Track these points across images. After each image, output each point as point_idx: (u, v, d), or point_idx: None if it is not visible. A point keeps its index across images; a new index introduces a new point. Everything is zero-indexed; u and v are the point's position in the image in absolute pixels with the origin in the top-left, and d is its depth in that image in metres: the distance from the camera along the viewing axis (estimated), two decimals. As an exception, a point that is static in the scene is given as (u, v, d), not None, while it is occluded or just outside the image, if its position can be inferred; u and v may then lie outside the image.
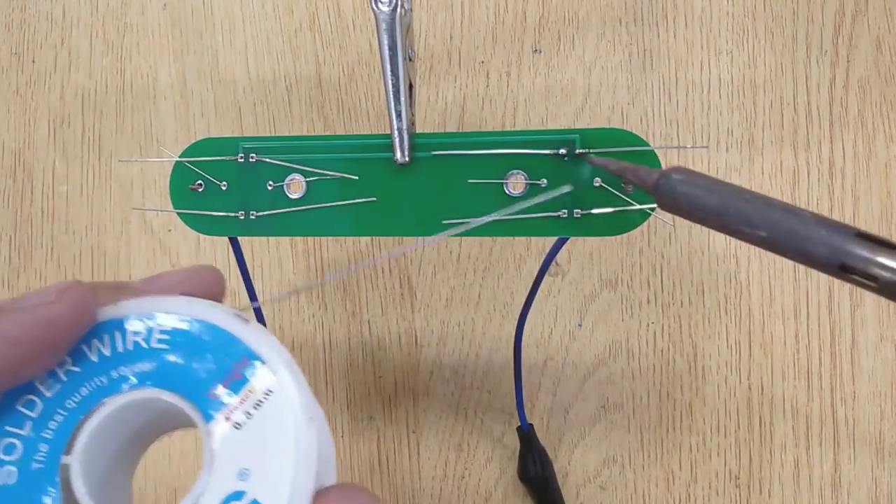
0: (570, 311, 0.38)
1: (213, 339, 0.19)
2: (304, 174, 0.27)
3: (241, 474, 0.17)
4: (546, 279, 0.37)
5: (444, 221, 0.26)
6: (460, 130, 0.39)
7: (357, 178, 0.27)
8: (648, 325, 0.37)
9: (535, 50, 0.40)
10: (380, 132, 0.28)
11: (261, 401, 0.18)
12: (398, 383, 0.38)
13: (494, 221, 0.26)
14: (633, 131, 0.25)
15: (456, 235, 0.26)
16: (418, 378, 0.38)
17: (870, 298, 0.37)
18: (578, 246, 0.38)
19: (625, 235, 0.38)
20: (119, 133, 0.41)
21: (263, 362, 0.18)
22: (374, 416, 0.38)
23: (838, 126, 0.38)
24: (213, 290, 0.20)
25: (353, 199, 0.27)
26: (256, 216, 0.27)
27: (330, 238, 0.39)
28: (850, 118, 0.38)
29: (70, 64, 0.43)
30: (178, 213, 0.28)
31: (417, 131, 0.27)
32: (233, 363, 0.18)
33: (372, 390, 0.38)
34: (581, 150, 0.25)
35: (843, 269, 0.16)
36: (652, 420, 0.37)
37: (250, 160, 0.27)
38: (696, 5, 0.39)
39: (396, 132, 0.26)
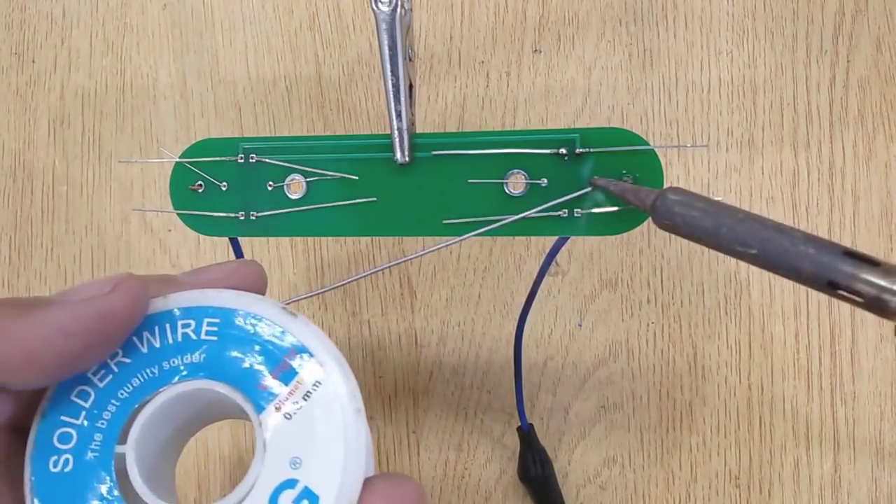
0: (570, 311, 0.38)
1: (261, 332, 0.19)
2: (304, 174, 0.27)
3: (292, 463, 0.18)
4: (546, 279, 0.37)
5: (445, 221, 0.26)
6: (460, 130, 0.39)
7: (357, 178, 0.27)
8: (648, 325, 0.37)
9: (535, 50, 0.40)
10: (380, 132, 0.28)
11: (309, 392, 0.18)
12: (398, 383, 0.38)
13: (495, 221, 0.26)
14: (634, 131, 0.25)
15: (479, 235, 0.26)
16: (418, 378, 0.38)
17: (870, 298, 0.37)
18: (578, 246, 0.38)
19: (625, 235, 0.38)
20: (119, 133, 0.42)
21: (311, 355, 0.19)
22: (374, 416, 0.38)
23: (838, 126, 0.38)
24: (257, 284, 0.21)
25: (353, 199, 0.27)
26: (256, 216, 0.27)
27: (330, 238, 0.39)
28: (850, 118, 0.38)
29: (70, 64, 0.43)
30: (178, 214, 0.28)
31: (417, 131, 0.27)
32: (282, 355, 0.19)
33: (372, 390, 0.38)
34: (581, 150, 0.25)
35: (831, 286, 0.17)
36: (652, 420, 0.37)
37: (250, 160, 0.27)
38: (696, 5, 0.39)
39: (396, 132, 0.26)
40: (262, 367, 0.19)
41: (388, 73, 0.26)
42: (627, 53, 0.39)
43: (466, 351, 0.38)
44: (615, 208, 0.25)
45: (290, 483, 0.18)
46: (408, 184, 0.27)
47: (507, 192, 0.26)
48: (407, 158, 0.26)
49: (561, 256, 0.38)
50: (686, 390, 0.37)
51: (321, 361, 0.19)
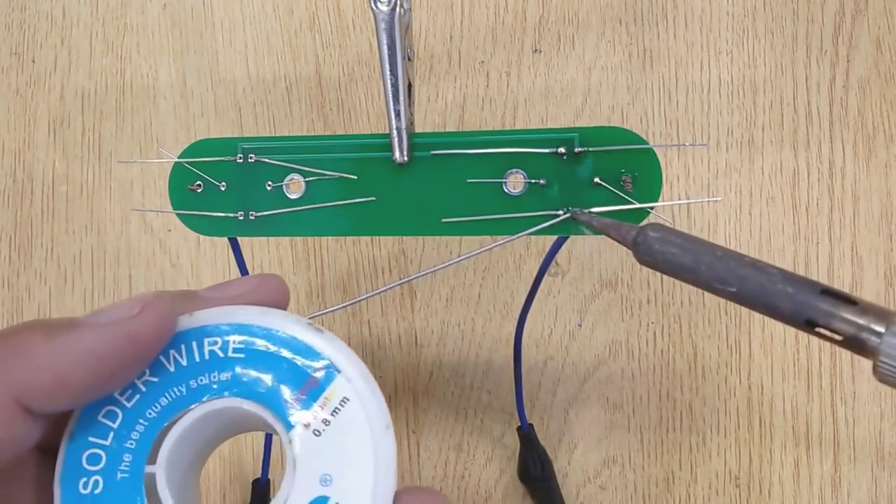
0: (570, 311, 0.38)
1: (288, 348, 0.19)
2: (304, 174, 0.27)
3: (323, 480, 0.18)
4: (546, 279, 0.37)
5: (444, 220, 0.26)
6: (460, 130, 0.39)
7: (356, 177, 0.27)
8: (648, 325, 0.37)
9: (535, 50, 0.40)
10: (379, 132, 0.28)
11: (338, 408, 0.18)
12: (398, 383, 0.38)
13: (494, 220, 0.26)
14: (632, 130, 0.25)
15: (499, 245, 0.26)
16: (418, 378, 0.38)
17: (869, 299, 0.37)
18: (578, 246, 0.38)
19: (625, 235, 0.38)
20: (119, 133, 0.42)
21: (339, 371, 0.19)
22: (373, 416, 0.38)
23: (838, 126, 0.38)
24: (279, 299, 0.21)
25: (353, 198, 0.27)
26: (255, 216, 0.27)
27: (330, 238, 0.39)
28: (850, 118, 0.38)
29: (70, 64, 0.43)
30: (178, 214, 0.28)
31: (417, 131, 0.27)
32: (309, 372, 0.19)
33: (372, 390, 0.38)
34: (580, 149, 0.25)
35: (809, 324, 0.17)
36: (652, 420, 0.36)
37: (249, 160, 0.27)
38: (696, 5, 0.39)
39: (395, 132, 0.26)
40: (289, 384, 0.19)
41: (388, 73, 0.26)
42: (627, 53, 0.39)
43: (466, 351, 0.38)
44: (615, 208, 0.25)
45: (322, 500, 0.18)
46: (407, 183, 0.27)
47: (505, 191, 0.26)
48: (406, 158, 0.26)
49: (561, 256, 0.38)
50: (686, 390, 0.37)
51: (349, 377, 0.19)
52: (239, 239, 0.29)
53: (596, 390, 0.37)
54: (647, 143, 0.25)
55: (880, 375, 0.16)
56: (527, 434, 0.35)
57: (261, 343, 0.19)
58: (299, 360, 0.19)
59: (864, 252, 0.37)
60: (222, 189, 0.27)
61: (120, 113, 0.42)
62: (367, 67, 0.41)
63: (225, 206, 0.28)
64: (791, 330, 0.36)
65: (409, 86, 0.27)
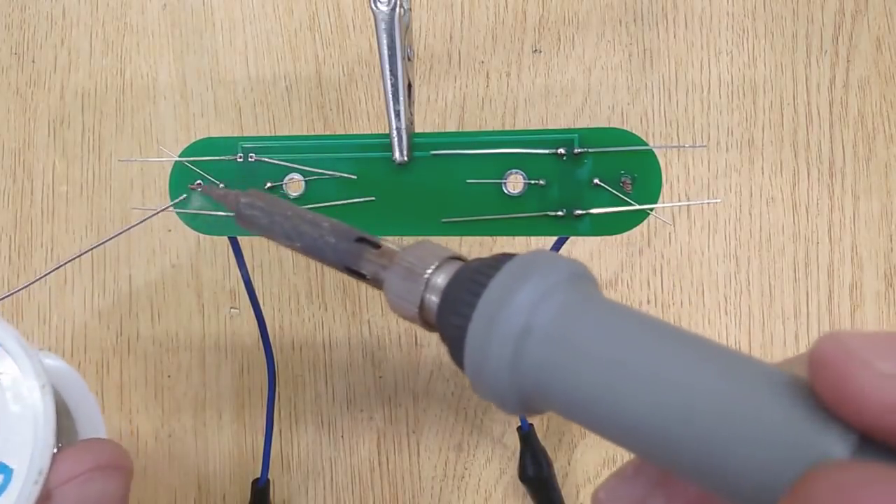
0: (570, 311, 0.37)
1: None
2: (303, 174, 0.27)
3: None
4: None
5: (444, 220, 0.26)
6: (460, 130, 0.39)
7: (356, 177, 0.27)
8: (648, 325, 0.37)
9: (535, 50, 0.40)
10: (379, 132, 0.28)
11: None
12: (398, 383, 0.38)
13: (493, 220, 0.26)
14: (633, 131, 0.25)
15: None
16: (418, 378, 0.38)
17: (869, 299, 0.37)
18: (578, 246, 0.38)
19: (625, 235, 0.38)
20: (119, 133, 0.42)
21: None
22: (374, 416, 0.38)
23: (838, 126, 0.38)
24: None
25: (352, 198, 0.27)
26: (255, 216, 0.27)
27: (330, 238, 0.39)
28: (850, 118, 0.38)
29: (70, 64, 0.43)
30: (178, 213, 0.28)
31: (417, 131, 0.27)
32: None
33: (372, 390, 0.38)
34: (579, 150, 0.25)
35: (348, 270, 0.19)
36: (652, 420, 0.36)
37: (249, 160, 0.27)
38: (696, 5, 0.39)
39: (395, 132, 0.26)
40: None
41: (388, 73, 0.26)
42: (627, 53, 0.39)
43: (466, 351, 0.38)
44: (615, 209, 0.25)
45: None
46: (406, 183, 0.27)
47: (505, 191, 0.26)
48: (406, 158, 0.26)
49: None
50: (686, 390, 0.37)
51: (6, 348, 0.21)
52: (239, 238, 0.29)
53: (596, 390, 0.37)
54: (647, 145, 0.25)
55: (389, 305, 0.18)
56: (527, 434, 0.35)
57: None
58: None
59: (864, 252, 0.37)
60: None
61: (120, 113, 0.42)
62: (367, 67, 0.41)
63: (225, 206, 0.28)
64: (791, 330, 0.36)
65: (409, 86, 0.27)
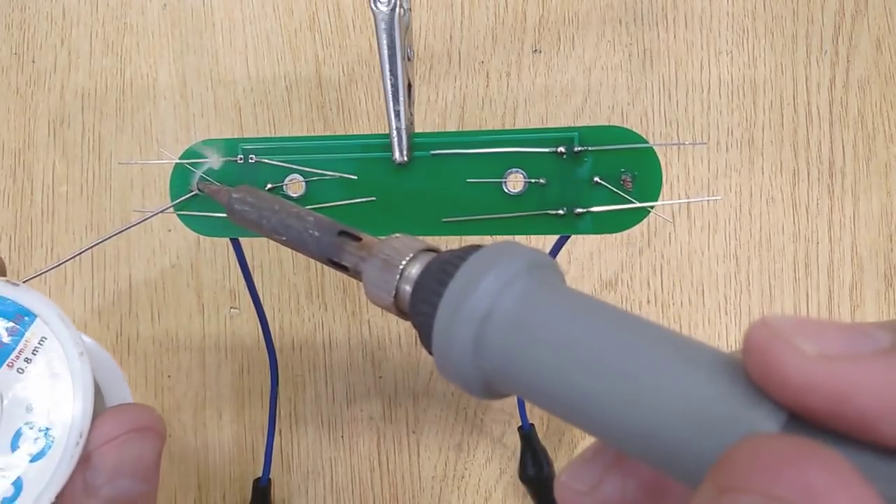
0: (570, 311, 0.37)
1: None
2: (304, 174, 0.27)
3: (28, 409, 0.21)
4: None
5: (444, 220, 0.26)
6: (460, 130, 0.39)
7: (356, 177, 0.27)
8: (648, 325, 0.37)
9: (535, 50, 0.40)
10: (379, 132, 0.28)
11: (37, 347, 0.22)
12: (398, 383, 0.38)
13: (494, 220, 0.26)
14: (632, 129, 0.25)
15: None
16: (418, 378, 0.38)
17: (869, 299, 0.37)
18: (578, 246, 0.38)
19: (625, 235, 0.38)
20: (119, 133, 0.42)
21: (35, 315, 0.22)
22: (373, 416, 0.38)
23: (838, 126, 0.38)
24: None
25: (353, 198, 0.27)
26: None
27: (330, 238, 0.39)
28: (850, 118, 0.38)
29: (70, 64, 0.43)
30: (178, 215, 0.28)
31: (417, 131, 0.27)
32: (8, 320, 0.22)
33: (372, 390, 0.38)
34: (579, 148, 0.25)
35: (331, 262, 0.19)
36: (652, 420, 0.36)
37: (249, 161, 0.27)
38: (696, 5, 0.39)
39: (395, 132, 0.26)
40: None
41: (387, 73, 0.26)
42: (627, 53, 0.39)
43: (466, 351, 0.38)
44: (615, 207, 0.25)
45: (28, 425, 0.21)
46: (407, 183, 0.27)
47: (505, 191, 0.26)
48: (406, 158, 0.26)
49: (561, 257, 0.38)
50: (686, 390, 0.37)
51: (46, 320, 0.22)
52: (240, 239, 0.29)
53: (596, 390, 0.37)
54: (647, 142, 0.25)
55: (367, 295, 0.18)
56: (527, 434, 0.35)
57: None
58: None
59: (864, 252, 0.37)
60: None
61: (120, 113, 0.42)
62: (367, 67, 0.41)
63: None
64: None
65: (409, 86, 0.27)
